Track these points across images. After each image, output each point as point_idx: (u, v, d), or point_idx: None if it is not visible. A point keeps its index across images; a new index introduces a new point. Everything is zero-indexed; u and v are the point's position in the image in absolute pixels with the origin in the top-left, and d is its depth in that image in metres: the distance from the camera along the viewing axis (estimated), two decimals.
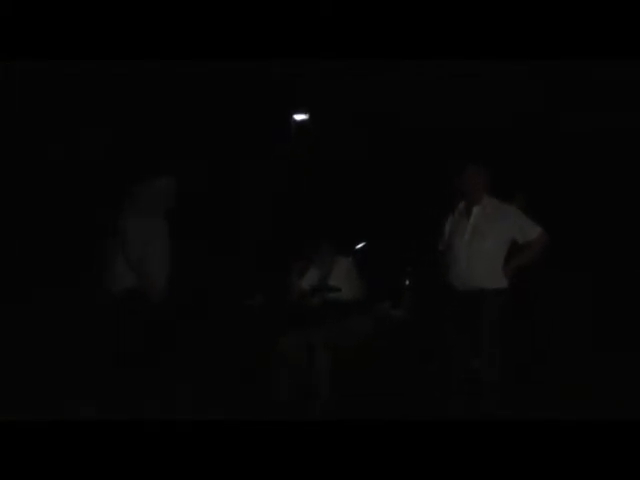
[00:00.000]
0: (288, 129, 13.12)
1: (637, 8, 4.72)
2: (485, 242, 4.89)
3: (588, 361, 6.64)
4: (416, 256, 5.38)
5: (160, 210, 5.09)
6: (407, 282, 5.82)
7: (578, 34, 4.83)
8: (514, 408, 4.76)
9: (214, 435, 4.42)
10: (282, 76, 10.52)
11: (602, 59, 5.28)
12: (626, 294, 9.38)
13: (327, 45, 5.07)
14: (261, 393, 5.19)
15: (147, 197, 5.07)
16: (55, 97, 10.20)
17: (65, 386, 5.28)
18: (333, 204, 12.94)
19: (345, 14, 4.96)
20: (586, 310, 8.78)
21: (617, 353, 6.83)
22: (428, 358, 5.09)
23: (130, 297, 4.93)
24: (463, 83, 10.34)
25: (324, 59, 5.67)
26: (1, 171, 10.31)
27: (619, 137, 10.86)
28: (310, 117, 13.83)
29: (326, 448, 4.12)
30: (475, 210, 4.99)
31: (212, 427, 4.63)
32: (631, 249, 10.83)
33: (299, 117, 14.35)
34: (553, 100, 11.01)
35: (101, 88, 10.21)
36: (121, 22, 4.80)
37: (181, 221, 5.17)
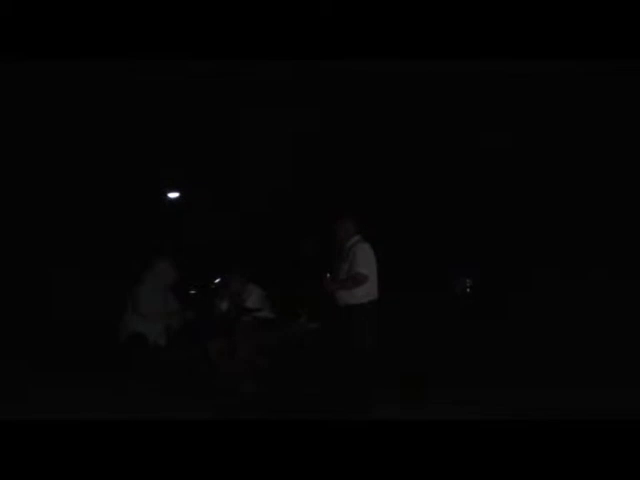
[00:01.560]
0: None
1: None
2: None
3: None
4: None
5: (165, 282, 7.07)
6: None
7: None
8: None
9: (213, 435, 4.43)
10: (285, 76, 10.50)
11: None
12: None
13: (327, 45, 5.07)
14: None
15: (156, 270, 7.05)
16: (55, 97, 10.18)
17: None
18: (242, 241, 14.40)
19: (345, 14, 4.96)
20: None
21: None
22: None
23: (135, 337, 6.79)
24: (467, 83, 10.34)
25: (324, 59, 5.68)
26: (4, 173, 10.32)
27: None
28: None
29: (324, 447, 4.13)
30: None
31: (211, 427, 4.64)
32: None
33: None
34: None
35: (101, 88, 10.18)
36: (121, 22, 4.80)
37: None
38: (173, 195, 15.58)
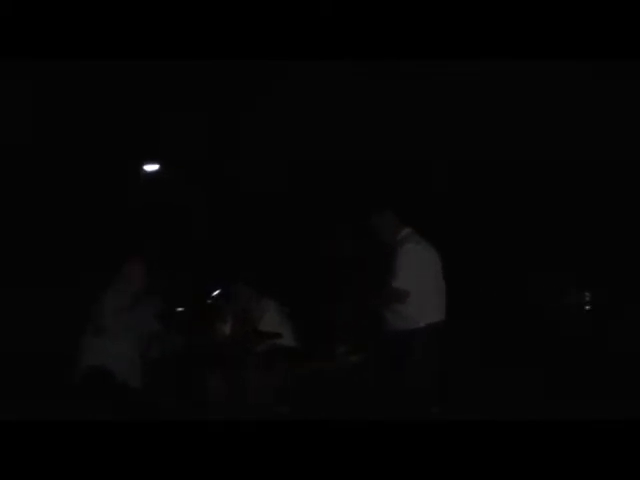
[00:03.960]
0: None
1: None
2: None
3: None
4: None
5: (134, 286, 5.27)
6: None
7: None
8: None
9: (213, 435, 4.42)
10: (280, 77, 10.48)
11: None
12: None
13: (327, 45, 5.07)
14: None
15: (122, 272, 5.33)
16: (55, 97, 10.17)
17: None
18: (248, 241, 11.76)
19: (345, 14, 4.96)
20: None
21: None
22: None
23: (96, 370, 4.98)
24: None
25: (324, 59, 5.68)
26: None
27: None
28: None
29: (322, 448, 4.12)
30: None
31: (211, 427, 4.62)
32: None
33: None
34: None
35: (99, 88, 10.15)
36: (122, 22, 4.80)
37: None
38: (150, 168, 12.58)
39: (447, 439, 4.26)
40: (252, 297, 5.56)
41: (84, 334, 5.13)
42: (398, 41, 5.05)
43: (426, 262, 4.91)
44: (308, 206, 12.28)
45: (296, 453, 4.05)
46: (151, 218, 11.91)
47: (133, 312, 5.15)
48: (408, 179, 11.33)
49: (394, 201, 5.46)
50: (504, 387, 6.37)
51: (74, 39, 4.77)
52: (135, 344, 5.16)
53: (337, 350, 5.36)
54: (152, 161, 13.02)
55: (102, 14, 4.68)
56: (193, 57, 5.20)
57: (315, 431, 4.44)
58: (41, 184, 11.07)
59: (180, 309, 6.40)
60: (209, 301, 6.07)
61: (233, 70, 9.77)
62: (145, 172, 12.97)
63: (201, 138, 12.42)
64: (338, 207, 11.52)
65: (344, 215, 10.73)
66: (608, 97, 10.39)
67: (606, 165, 11.34)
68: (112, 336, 5.00)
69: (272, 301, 5.58)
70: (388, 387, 4.76)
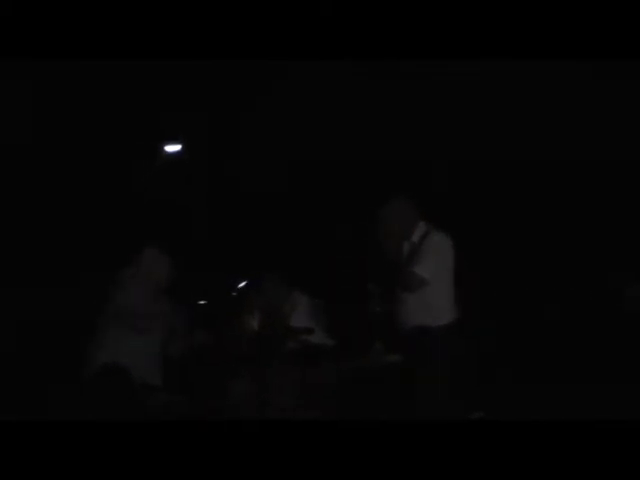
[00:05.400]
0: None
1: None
2: None
3: None
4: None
5: (154, 281, 4.94)
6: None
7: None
8: None
9: (213, 435, 4.41)
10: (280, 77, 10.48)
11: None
12: None
13: (327, 45, 5.08)
14: None
15: (140, 265, 4.97)
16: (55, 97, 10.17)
17: None
18: (283, 225, 11.59)
19: (345, 14, 4.96)
20: None
21: None
22: None
23: (109, 371, 4.63)
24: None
25: (324, 59, 5.69)
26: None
27: None
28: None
29: (322, 449, 4.11)
30: None
31: (211, 427, 4.62)
32: None
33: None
34: None
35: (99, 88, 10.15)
36: (122, 22, 4.80)
37: None
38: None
39: (446, 440, 4.25)
40: (282, 290, 5.23)
41: (95, 332, 4.80)
42: (398, 41, 5.05)
43: (451, 256, 4.61)
44: (308, 206, 12.37)
45: (296, 454, 4.04)
46: (151, 218, 11.93)
47: (151, 306, 4.81)
48: (408, 179, 11.37)
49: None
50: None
51: (74, 39, 4.77)
52: (155, 341, 4.82)
53: (373, 348, 5.03)
54: (152, 161, 13.18)
55: (102, 14, 4.69)
56: (193, 57, 5.21)
57: (317, 432, 4.43)
58: (41, 184, 11.15)
59: (203, 302, 5.84)
60: (235, 294, 5.74)
61: (233, 70, 9.78)
62: (145, 172, 13.08)
63: (201, 138, 12.46)
64: (338, 207, 11.71)
65: (344, 215, 10.85)
66: (608, 97, 10.39)
67: (606, 165, 11.37)
68: (130, 333, 4.66)
69: (304, 294, 5.26)
70: (424, 388, 4.47)
